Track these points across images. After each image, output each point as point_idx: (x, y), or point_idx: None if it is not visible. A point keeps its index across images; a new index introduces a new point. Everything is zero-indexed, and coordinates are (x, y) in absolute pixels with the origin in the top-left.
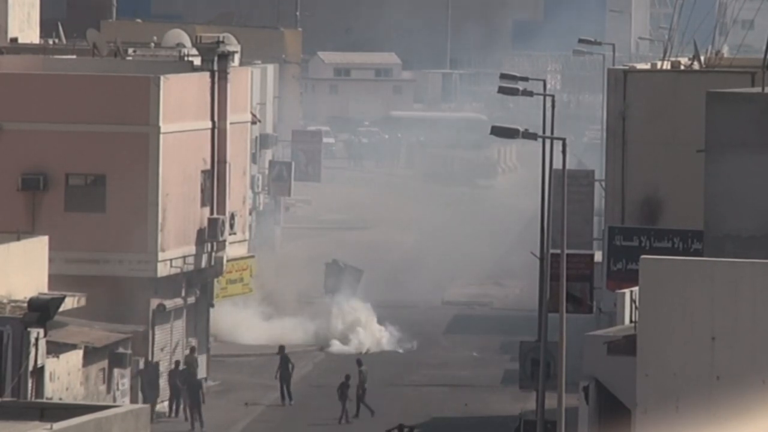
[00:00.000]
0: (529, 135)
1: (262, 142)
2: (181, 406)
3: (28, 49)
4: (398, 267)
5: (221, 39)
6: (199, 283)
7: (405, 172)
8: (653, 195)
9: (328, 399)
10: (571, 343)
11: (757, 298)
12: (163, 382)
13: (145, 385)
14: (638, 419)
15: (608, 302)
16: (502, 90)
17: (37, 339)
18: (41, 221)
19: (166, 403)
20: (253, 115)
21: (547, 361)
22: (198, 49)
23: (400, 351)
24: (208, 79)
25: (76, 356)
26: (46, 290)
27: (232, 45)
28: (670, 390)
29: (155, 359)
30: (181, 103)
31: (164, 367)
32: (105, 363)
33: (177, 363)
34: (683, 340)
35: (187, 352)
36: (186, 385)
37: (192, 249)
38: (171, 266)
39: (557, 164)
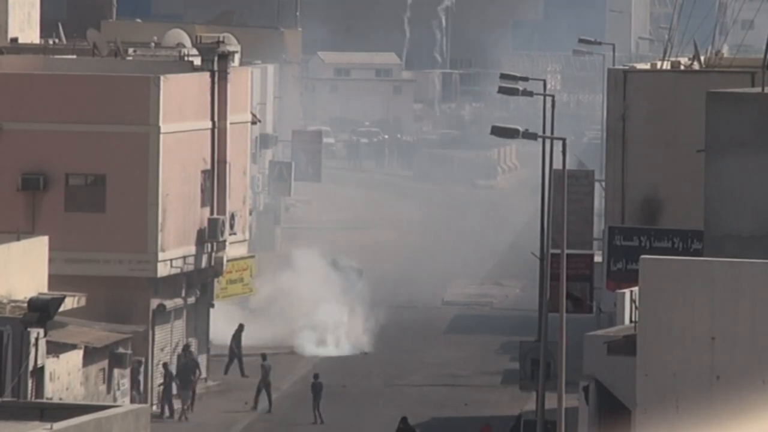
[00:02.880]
0: (529, 135)
1: (262, 142)
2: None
3: (28, 49)
4: (398, 267)
5: (221, 39)
6: (199, 283)
7: (405, 172)
8: (653, 195)
9: (327, 400)
10: (571, 343)
11: (757, 298)
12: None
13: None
14: (638, 419)
15: (608, 302)
16: (502, 90)
17: (37, 339)
18: (41, 221)
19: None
20: (253, 115)
21: (547, 361)
22: (198, 49)
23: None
24: (208, 79)
25: (76, 356)
26: (46, 290)
27: (232, 45)
28: (670, 390)
29: (155, 359)
30: (181, 103)
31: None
32: (105, 363)
33: (178, 358)
34: (683, 340)
35: (180, 351)
36: (180, 373)
37: (192, 249)
38: (171, 266)
39: (557, 164)
